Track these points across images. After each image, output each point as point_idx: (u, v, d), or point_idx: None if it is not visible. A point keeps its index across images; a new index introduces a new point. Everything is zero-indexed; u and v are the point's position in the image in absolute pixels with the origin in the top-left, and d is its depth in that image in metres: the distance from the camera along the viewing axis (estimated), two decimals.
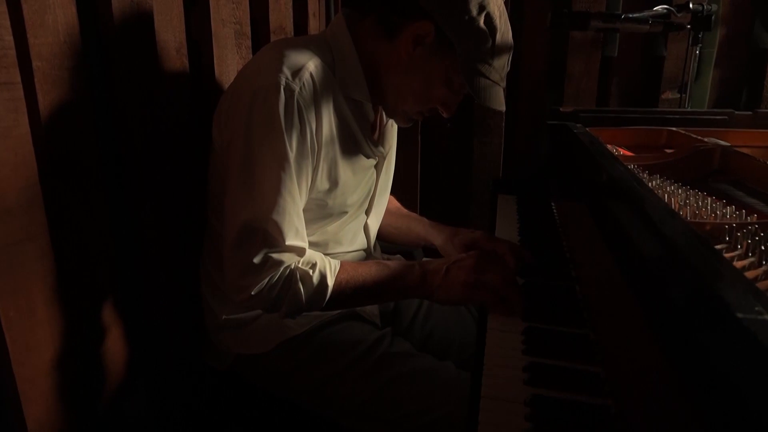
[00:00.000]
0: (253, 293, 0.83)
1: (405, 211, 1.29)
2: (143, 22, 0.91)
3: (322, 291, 0.86)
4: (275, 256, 0.83)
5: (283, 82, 0.81)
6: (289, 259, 0.85)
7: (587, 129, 1.37)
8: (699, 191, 0.92)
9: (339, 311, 0.98)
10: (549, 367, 0.68)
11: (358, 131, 0.96)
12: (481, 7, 0.85)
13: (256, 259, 0.82)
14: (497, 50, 0.88)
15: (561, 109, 1.51)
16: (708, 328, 0.41)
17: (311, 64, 0.85)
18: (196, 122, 1.04)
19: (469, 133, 1.92)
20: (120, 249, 0.91)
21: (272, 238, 0.83)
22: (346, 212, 1.00)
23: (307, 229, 0.95)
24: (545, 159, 1.56)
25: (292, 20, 1.53)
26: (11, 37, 0.67)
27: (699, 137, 1.25)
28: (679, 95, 1.53)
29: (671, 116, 1.46)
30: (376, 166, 1.06)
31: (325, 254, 1.00)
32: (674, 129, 1.38)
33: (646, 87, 1.80)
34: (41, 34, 0.73)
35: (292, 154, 0.82)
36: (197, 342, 1.05)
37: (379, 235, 1.28)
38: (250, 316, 0.97)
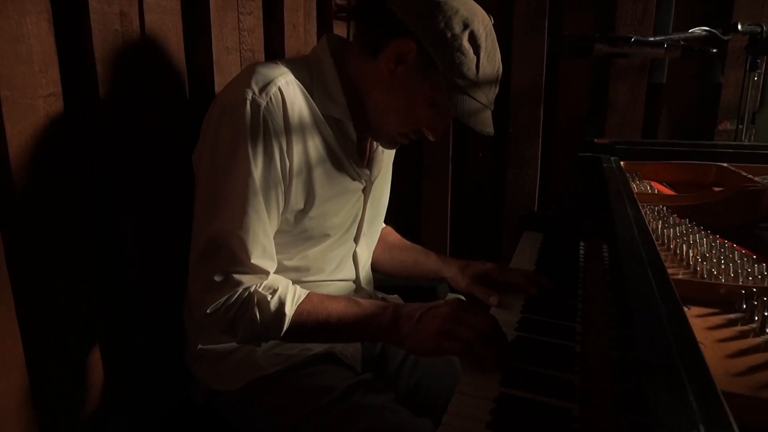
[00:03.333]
0: (208, 311, 0.81)
1: (408, 243, 1.22)
2: (128, 50, 0.91)
3: (278, 319, 0.82)
4: (236, 276, 0.81)
5: (249, 96, 0.80)
6: (249, 281, 0.82)
7: (622, 163, 1.25)
8: (730, 242, 0.78)
9: (314, 351, 0.93)
10: None
11: (340, 151, 0.93)
12: (465, 25, 0.82)
13: (217, 277, 0.81)
14: (483, 70, 0.84)
15: (596, 140, 1.38)
16: None
17: (281, 80, 0.83)
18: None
19: (502, 164, 1.81)
20: (101, 279, 0.90)
21: (236, 255, 0.81)
22: (329, 235, 0.96)
23: (286, 252, 0.92)
24: (579, 194, 1.43)
25: None
26: None
27: (750, 176, 1.09)
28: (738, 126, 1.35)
29: (724, 150, 1.29)
30: (363, 191, 1.01)
31: (306, 282, 0.96)
32: (725, 165, 1.21)
33: (702, 117, 1.62)
34: (12, 64, 0.73)
35: (257, 171, 0.80)
36: (177, 374, 1.02)
37: (384, 270, 1.22)
38: (224, 348, 0.94)
